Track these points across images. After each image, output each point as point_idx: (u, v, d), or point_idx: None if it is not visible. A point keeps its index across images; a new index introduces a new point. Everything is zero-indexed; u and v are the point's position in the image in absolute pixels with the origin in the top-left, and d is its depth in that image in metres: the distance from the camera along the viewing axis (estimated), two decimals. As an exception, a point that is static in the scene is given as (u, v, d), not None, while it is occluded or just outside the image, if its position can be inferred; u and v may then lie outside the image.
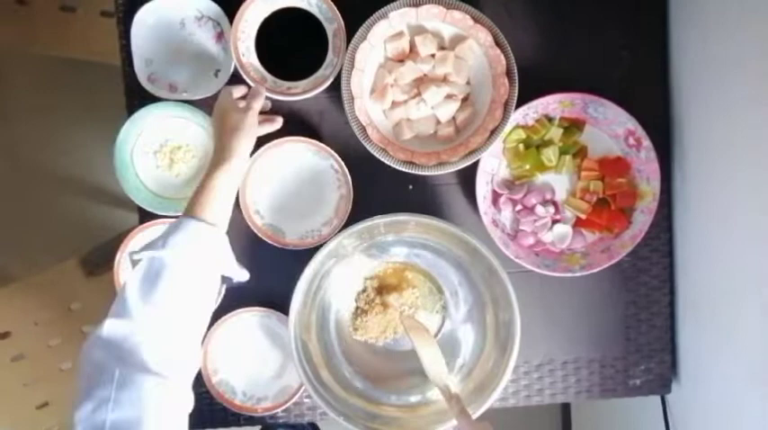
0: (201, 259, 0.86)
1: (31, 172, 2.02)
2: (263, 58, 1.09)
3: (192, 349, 0.85)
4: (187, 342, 0.84)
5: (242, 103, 1.01)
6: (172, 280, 0.83)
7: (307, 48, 1.10)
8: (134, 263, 0.86)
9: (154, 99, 1.08)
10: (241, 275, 0.94)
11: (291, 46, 1.11)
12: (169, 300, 0.82)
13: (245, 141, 0.97)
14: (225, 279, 0.93)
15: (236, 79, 1.07)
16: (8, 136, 2.02)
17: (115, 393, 0.73)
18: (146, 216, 1.11)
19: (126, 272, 1.11)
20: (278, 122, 1.08)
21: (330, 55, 1.08)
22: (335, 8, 1.04)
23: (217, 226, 0.90)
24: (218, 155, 0.95)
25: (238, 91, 1.03)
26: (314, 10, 1.07)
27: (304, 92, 1.06)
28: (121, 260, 1.11)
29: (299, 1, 1.07)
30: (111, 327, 0.78)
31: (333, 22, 1.06)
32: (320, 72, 1.08)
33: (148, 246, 0.86)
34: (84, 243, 1.52)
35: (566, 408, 1.99)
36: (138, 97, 1.09)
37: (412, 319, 1.10)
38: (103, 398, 0.73)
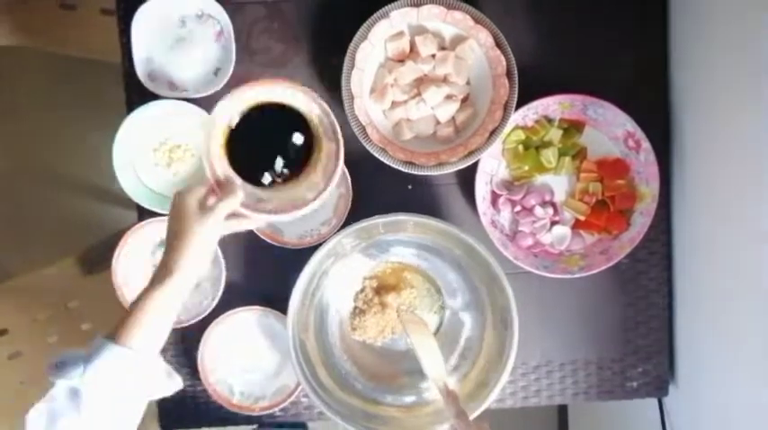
0: (120, 392, 0.78)
1: (29, 169, 2.02)
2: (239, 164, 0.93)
3: None
4: None
5: (209, 201, 0.88)
6: (90, 410, 0.75)
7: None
8: (50, 384, 0.77)
9: (154, 97, 1.08)
10: (174, 387, 0.84)
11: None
12: None
13: (193, 253, 0.83)
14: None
15: (234, 80, 1.07)
16: (7, 133, 2.02)
17: None
18: (144, 214, 1.11)
19: (123, 269, 1.11)
20: (254, 222, 0.94)
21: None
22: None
23: (145, 352, 0.79)
24: (164, 263, 0.83)
25: (204, 185, 0.89)
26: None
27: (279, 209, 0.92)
28: (120, 258, 1.10)
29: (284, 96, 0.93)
30: None
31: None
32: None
33: (65, 371, 0.76)
34: (82, 241, 1.52)
35: (563, 410, 1.99)
36: (137, 95, 1.09)
37: (410, 314, 1.10)
38: None
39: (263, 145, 0.95)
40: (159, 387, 0.82)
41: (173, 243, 0.84)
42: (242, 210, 0.89)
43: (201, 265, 0.86)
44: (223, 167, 0.91)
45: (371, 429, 1.02)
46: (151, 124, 1.10)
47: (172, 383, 0.83)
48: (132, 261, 1.12)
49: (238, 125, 0.93)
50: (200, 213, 0.85)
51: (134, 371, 0.79)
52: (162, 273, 0.82)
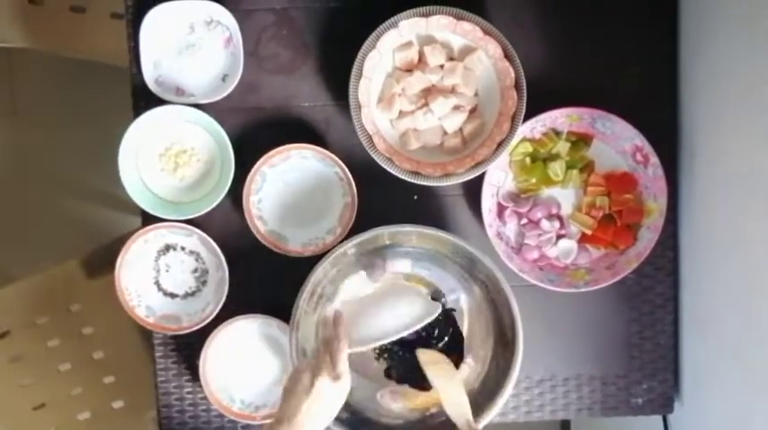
0: None
1: (34, 171, 2.02)
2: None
3: None
4: None
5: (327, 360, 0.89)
6: None
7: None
8: None
9: (161, 102, 1.08)
10: None
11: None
12: None
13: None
14: None
15: (241, 86, 1.07)
16: (14, 135, 2.02)
17: None
18: (148, 219, 1.11)
19: (126, 274, 1.10)
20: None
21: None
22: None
23: None
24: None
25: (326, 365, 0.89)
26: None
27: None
28: (122, 263, 1.10)
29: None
30: None
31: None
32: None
33: None
34: (85, 245, 1.52)
35: (566, 425, 1.98)
36: (144, 100, 1.09)
37: (431, 354, 1.07)
38: None
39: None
40: None
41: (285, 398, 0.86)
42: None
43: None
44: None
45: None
46: (157, 129, 1.09)
47: None
48: (135, 266, 1.11)
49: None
50: (335, 376, 0.88)
51: None
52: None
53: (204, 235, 1.08)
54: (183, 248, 1.12)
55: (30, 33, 1.56)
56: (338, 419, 0.99)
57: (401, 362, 1.08)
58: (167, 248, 1.12)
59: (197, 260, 1.12)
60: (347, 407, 1.03)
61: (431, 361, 1.04)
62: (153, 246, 1.12)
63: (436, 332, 1.08)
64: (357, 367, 1.07)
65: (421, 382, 1.06)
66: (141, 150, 1.10)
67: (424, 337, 1.07)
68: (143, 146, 1.10)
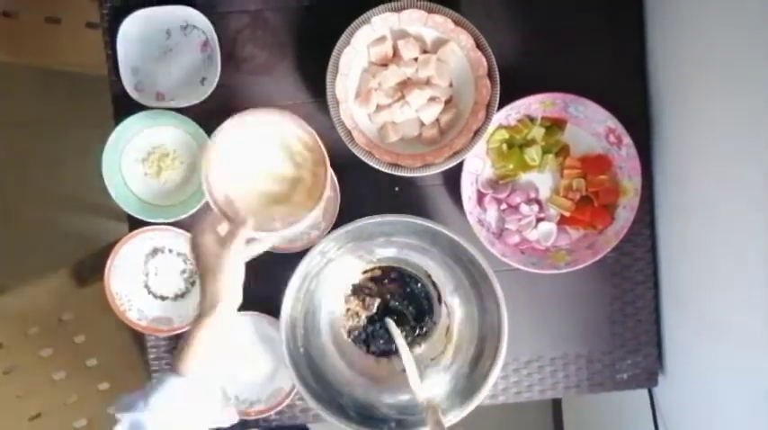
0: (182, 419, 0.84)
1: (18, 183, 2.02)
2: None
3: None
4: None
5: (223, 230, 0.93)
6: None
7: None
8: (115, 423, 0.83)
9: (141, 108, 1.09)
10: (230, 419, 0.92)
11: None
12: None
13: (231, 281, 0.90)
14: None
15: (220, 89, 1.08)
16: (-2, 149, 2.02)
17: None
18: (135, 224, 1.12)
19: (115, 279, 1.12)
20: (268, 242, 1.00)
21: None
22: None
23: (201, 380, 0.87)
24: (205, 300, 0.90)
25: (217, 219, 0.94)
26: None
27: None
28: (111, 269, 1.11)
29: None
30: None
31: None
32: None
33: (129, 406, 0.83)
34: (73, 254, 1.52)
35: (556, 403, 2.01)
36: (125, 106, 1.10)
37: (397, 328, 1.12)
38: None
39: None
40: (217, 415, 0.89)
41: (206, 280, 0.90)
42: (255, 235, 0.95)
43: (238, 293, 0.91)
44: (225, 190, 0.95)
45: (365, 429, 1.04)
46: (139, 134, 1.11)
47: (229, 414, 0.91)
48: (124, 271, 1.13)
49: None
50: (220, 247, 0.90)
51: (191, 398, 0.85)
52: (206, 307, 0.89)
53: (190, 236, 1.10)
54: (170, 250, 1.14)
55: (5, 46, 1.56)
56: (348, 418, 1.02)
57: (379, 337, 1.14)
58: (155, 251, 1.14)
59: (185, 262, 1.14)
60: (355, 403, 1.06)
61: (399, 334, 1.10)
62: (141, 250, 1.13)
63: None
64: (361, 369, 1.11)
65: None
66: (124, 156, 1.11)
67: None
68: (126, 152, 1.11)
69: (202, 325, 0.88)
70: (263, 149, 0.98)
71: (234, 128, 0.93)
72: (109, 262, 1.11)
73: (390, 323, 1.11)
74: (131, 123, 1.08)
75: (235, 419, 0.93)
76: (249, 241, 0.95)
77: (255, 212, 0.96)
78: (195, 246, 0.92)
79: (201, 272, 0.91)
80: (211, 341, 0.89)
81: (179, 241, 1.12)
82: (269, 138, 0.98)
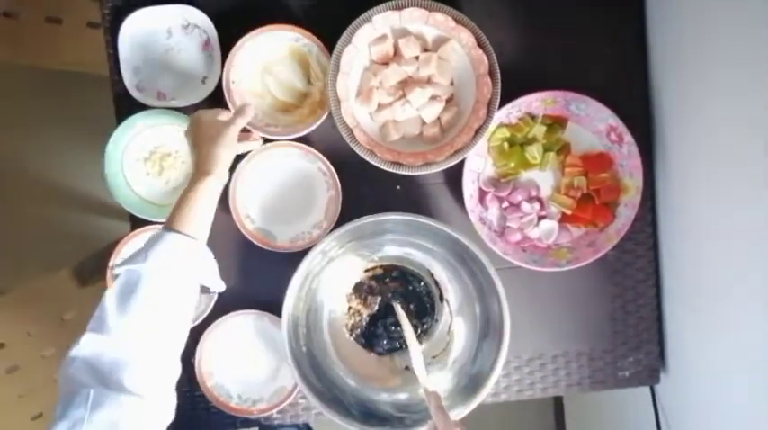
0: (179, 271, 0.86)
1: (21, 183, 2.03)
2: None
3: (171, 361, 0.84)
4: (165, 355, 0.83)
5: (224, 117, 1.00)
6: (148, 291, 0.82)
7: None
8: (114, 278, 0.85)
9: (142, 107, 1.09)
10: (219, 286, 0.94)
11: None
12: (146, 311, 0.81)
13: (226, 152, 0.96)
14: (203, 288, 0.93)
15: (221, 87, 1.08)
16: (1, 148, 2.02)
17: (89, 413, 0.72)
18: (137, 224, 1.13)
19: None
20: (257, 141, 1.09)
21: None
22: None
23: (197, 238, 0.90)
24: (200, 166, 0.95)
25: (216, 111, 1.01)
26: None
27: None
28: (116, 258, 1.11)
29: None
30: (87, 343, 0.78)
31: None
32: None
33: (129, 260, 0.85)
34: (76, 253, 1.53)
35: (558, 400, 2.01)
36: (126, 106, 1.10)
37: (405, 317, 1.11)
38: (77, 418, 0.71)
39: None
40: (211, 276, 0.92)
41: (204, 148, 0.95)
42: (251, 128, 1.07)
43: (229, 163, 0.97)
44: (242, 90, 1.10)
45: (368, 428, 1.04)
46: (141, 134, 1.11)
47: (220, 282, 0.94)
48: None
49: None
50: (222, 122, 0.98)
51: (188, 254, 0.88)
52: (200, 170, 0.94)
53: None
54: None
55: (6, 47, 1.56)
56: (350, 416, 1.03)
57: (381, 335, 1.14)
58: None
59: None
60: (357, 401, 1.06)
61: (406, 320, 1.10)
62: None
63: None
64: (363, 367, 1.12)
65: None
66: (126, 155, 1.11)
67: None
68: (127, 151, 1.11)
69: (200, 186, 0.92)
70: (282, 60, 1.11)
71: (261, 38, 1.07)
72: (111, 262, 1.11)
73: (397, 307, 1.11)
74: (133, 122, 1.09)
75: (221, 288, 0.95)
76: (243, 139, 1.05)
77: (264, 115, 1.10)
78: (197, 119, 0.98)
79: (199, 141, 0.96)
80: (207, 202, 0.93)
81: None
82: (290, 51, 1.11)
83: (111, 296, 0.82)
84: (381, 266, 1.14)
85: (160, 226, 1.09)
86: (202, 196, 0.92)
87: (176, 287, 0.86)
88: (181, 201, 0.91)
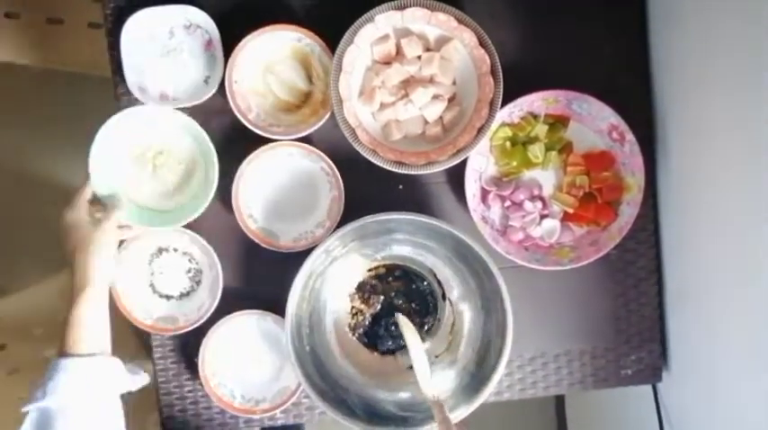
0: (86, 396, 0.85)
1: (22, 183, 2.03)
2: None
3: None
4: None
5: (93, 212, 0.97)
6: (63, 425, 0.82)
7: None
8: (23, 415, 0.84)
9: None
10: (140, 382, 0.94)
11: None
12: None
13: (97, 262, 0.93)
14: (123, 396, 0.92)
15: (224, 87, 1.08)
16: (4, 148, 2.02)
17: None
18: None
19: (120, 281, 1.12)
20: (137, 230, 1.06)
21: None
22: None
23: (94, 355, 0.88)
24: (77, 281, 0.92)
25: (88, 199, 0.99)
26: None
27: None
28: (120, 255, 1.11)
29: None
30: None
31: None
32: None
33: (30, 399, 0.84)
34: (77, 254, 1.52)
35: (559, 399, 2.02)
36: (128, 107, 1.10)
37: (407, 322, 1.11)
38: None
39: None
40: (121, 381, 0.91)
41: (76, 259, 0.93)
42: (126, 223, 1.03)
43: (111, 268, 0.96)
44: (245, 93, 1.10)
45: (371, 426, 1.04)
46: (130, 135, 1.09)
47: (137, 378, 0.92)
48: (129, 271, 1.13)
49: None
50: (93, 222, 0.96)
51: (91, 372, 0.87)
52: (78, 286, 0.91)
53: (196, 235, 1.10)
54: (175, 250, 1.14)
55: (8, 47, 1.56)
56: (354, 415, 1.03)
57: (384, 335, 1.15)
58: (160, 251, 1.14)
59: (190, 261, 1.14)
60: (361, 401, 1.07)
61: (408, 327, 1.09)
62: (146, 249, 1.13)
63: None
64: (366, 367, 1.13)
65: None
66: (114, 157, 1.08)
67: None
68: (117, 154, 1.09)
69: (80, 303, 0.90)
70: (285, 60, 1.11)
71: (263, 37, 1.07)
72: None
73: (401, 319, 1.11)
74: (116, 123, 1.06)
75: (146, 380, 0.94)
76: (121, 227, 1.02)
77: (266, 115, 1.10)
78: (65, 226, 0.96)
79: (73, 248, 0.93)
80: (95, 314, 0.91)
81: (184, 240, 1.12)
82: (292, 51, 1.11)
83: None
84: (384, 265, 1.14)
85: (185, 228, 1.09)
86: (84, 312, 0.90)
87: (91, 415, 0.85)
88: (65, 323, 0.90)
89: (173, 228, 1.10)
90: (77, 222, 0.95)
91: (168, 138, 1.11)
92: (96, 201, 1.01)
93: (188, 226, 1.10)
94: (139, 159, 1.11)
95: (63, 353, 0.88)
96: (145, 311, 1.13)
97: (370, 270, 1.15)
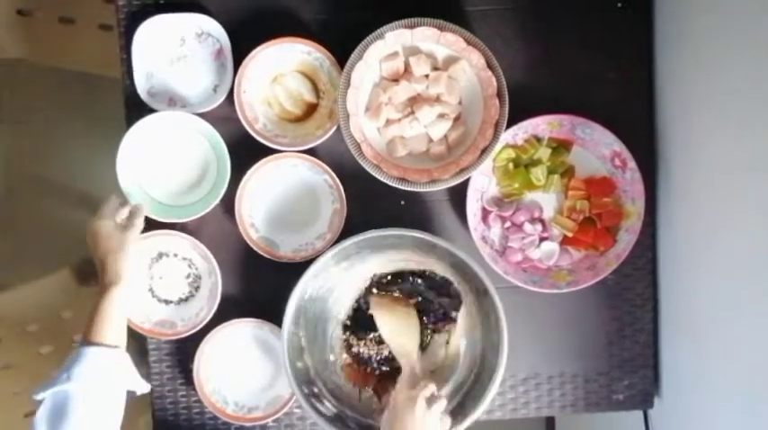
0: (107, 386, 0.89)
1: (27, 182, 2.03)
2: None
3: None
4: None
5: (119, 219, 1.03)
6: (81, 413, 0.84)
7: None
8: (37, 403, 0.86)
9: (152, 112, 1.10)
10: (144, 387, 0.98)
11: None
12: None
13: (127, 263, 0.98)
14: (129, 393, 0.96)
15: (232, 96, 1.09)
16: (5, 145, 2.02)
17: None
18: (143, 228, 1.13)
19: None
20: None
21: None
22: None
23: (117, 347, 0.94)
24: (105, 278, 0.97)
25: (115, 208, 1.04)
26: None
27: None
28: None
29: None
30: None
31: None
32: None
33: (51, 382, 0.87)
34: (77, 251, 1.53)
35: (550, 421, 2.02)
36: (137, 110, 1.11)
37: (380, 297, 1.13)
38: None
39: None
40: (135, 381, 0.96)
41: (107, 260, 0.98)
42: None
43: (137, 271, 1.04)
44: (254, 105, 1.12)
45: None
46: (154, 135, 1.11)
47: (142, 382, 0.98)
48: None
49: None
50: (122, 229, 1.01)
51: (113, 365, 0.92)
52: (107, 282, 0.97)
53: (196, 241, 1.11)
54: (175, 255, 1.14)
55: (18, 44, 1.57)
56: (347, 428, 1.05)
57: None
58: (160, 256, 1.14)
59: (190, 266, 1.15)
60: (354, 415, 1.08)
61: (378, 303, 1.11)
62: (146, 254, 1.14)
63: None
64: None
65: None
66: (138, 156, 1.11)
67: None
68: (140, 152, 1.11)
69: (110, 297, 0.95)
70: (292, 72, 1.13)
71: (273, 49, 1.09)
72: None
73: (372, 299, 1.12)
74: (147, 123, 1.08)
75: (146, 388, 0.98)
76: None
77: (273, 125, 1.12)
78: (95, 231, 1.00)
79: (100, 254, 0.99)
80: (119, 311, 0.96)
81: (185, 245, 1.13)
82: (300, 63, 1.13)
83: (40, 423, 0.84)
84: (384, 278, 1.14)
85: (163, 231, 1.10)
86: (113, 306, 0.95)
87: (107, 404, 0.89)
88: (94, 314, 0.94)
89: (184, 220, 1.11)
90: (107, 229, 1.00)
91: (186, 141, 1.12)
92: (122, 208, 1.06)
93: (191, 231, 1.11)
94: (159, 161, 1.13)
95: (89, 341, 0.91)
96: (143, 315, 1.14)
97: (368, 284, 1.15)
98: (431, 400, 0.95)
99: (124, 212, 1.04)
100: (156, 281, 1.15)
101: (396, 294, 1.13)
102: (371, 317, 1.11)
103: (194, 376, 1.12)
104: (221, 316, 1.12)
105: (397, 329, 1.07)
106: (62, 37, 1.56)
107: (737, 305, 0.94)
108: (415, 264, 1.13)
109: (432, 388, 0.96)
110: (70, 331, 1.51)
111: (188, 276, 1.15)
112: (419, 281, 1.13)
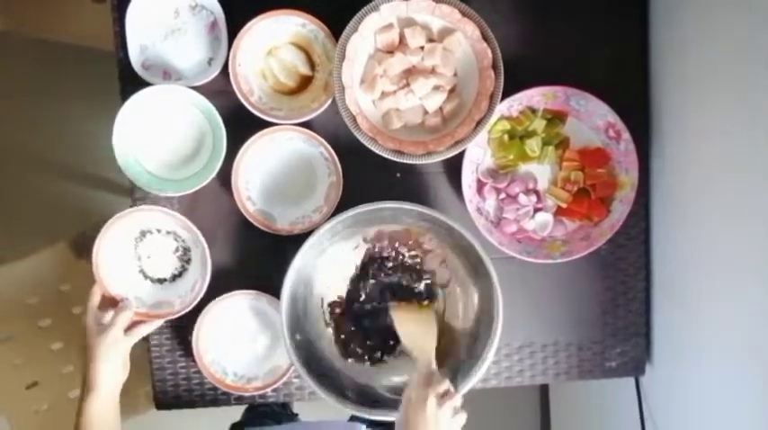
0: None
1: (21, 154, 2.02)
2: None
3: None
4: None
5: (104, 319, 1.03)
6: None
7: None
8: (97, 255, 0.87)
9: (147, 85, 1.09)
10: None
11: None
12: None
13: (104, 366, 0.99)
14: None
15: (227, 70, 1.08)
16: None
17: None
18: (138, 200, 1.14)
19: (104, 256, 1.10)
20: (155, 323, 1.10)
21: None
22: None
23: None
24: (87, 384, 0.98)
25: (96, 303, 1.05)
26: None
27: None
28: (100, 245, 1.10)
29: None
30: None
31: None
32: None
33: None
34: (75, 225, 1.53)
35: (544, 388, 2.05)
36: (131, 83, 1.10)
37: (405, 308, 1.13)
38: None
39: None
40: None
41: (89, 365, 0.99)
42: (139, 317, 1.07)
43: (118, 374, 1.01)
44: (249, 78, 1.11)
45: (362, 408, 1.06)
46: (150, 108, 1.10)
47: None
48: (113, 248, 1.12)
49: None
50: (99, 330, 1.01)
51: None
52: (86, 389, 0.98)
53: (174, 213, 1.10)
54: (158, 230, 1.13)
55: (11, 16, 1.56)
56: (346, 398, 1.06)
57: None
58: (143, 234, 1.14)
59: (176, 239, 1.14)
60: (351, 383, 1.09)
61: (401, 316, 1.11)
62: (127, 235, 1.13)
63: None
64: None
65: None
66: (134, 130, 1.11)
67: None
68: (136, 126, 1.10)
69: (85, 410, 0.97)
70: (287, 44, 1.12)
71: (268, 21, 1.08)
72: (98, 239, 1.10)
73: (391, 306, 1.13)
74: (142, 97, 1.07)
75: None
76: (133, 325, 1.06)
77: (268, 98, 1.12)
78: (85, 327, 1.02)
79: (88, 357, 1.00)
80: (102, 415, 0.98)
81: (166, 220, 1.11)
82: (295, 36, 1.12)
83: None
84: (379, 252, 1.16)
85: (141, 208, 1.09)
86: (84, 419, 0.97)
87: None
88: (76, 423, 0.97)
89: (180, 194, 1.11)
90: (87, 329, 1.01)
91: (182, 115, 1.12)
92: (104, 305, 1.06)
93: (188, 206, 1.12)
94: (155, 135, 1.12)
95: None
96: (137, 300, 1.12)
97: (364, 255, 1.16)
98: (444, 397, 0.93)
99: (109, 315, 1.04)
100: (144, 260, 1.14)
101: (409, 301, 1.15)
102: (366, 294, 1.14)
103: (193, 347, 1.14)
104: (219, 289, 1.13)
105: (420, 338, 1.06)
106: (54, 10, 1.54)
107: (728, 274, 0.96)
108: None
109: (446, 384, 0.94)
110: (69, 304, 1.52)
111: (176, 250, 1.14)
112: (389, 268, 1.15)
